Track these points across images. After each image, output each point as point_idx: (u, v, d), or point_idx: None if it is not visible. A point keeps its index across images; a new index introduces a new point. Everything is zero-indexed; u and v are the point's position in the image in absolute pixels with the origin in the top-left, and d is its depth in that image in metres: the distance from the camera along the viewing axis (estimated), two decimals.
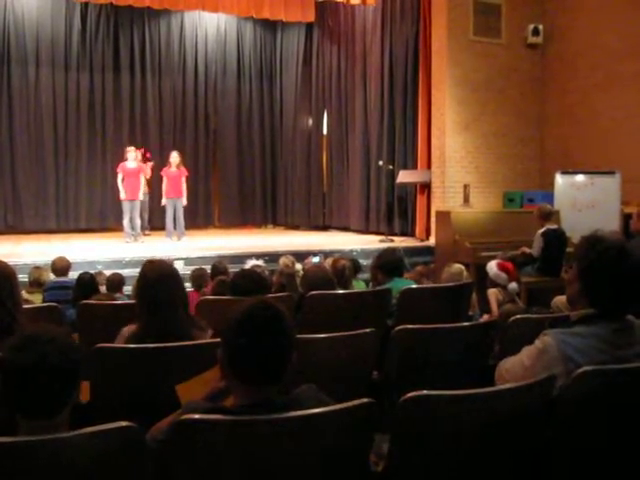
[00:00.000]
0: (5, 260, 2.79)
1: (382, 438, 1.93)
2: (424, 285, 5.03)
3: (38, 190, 12.14)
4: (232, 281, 4.01)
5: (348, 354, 2.78)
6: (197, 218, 13.09)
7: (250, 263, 6.18)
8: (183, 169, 10.65)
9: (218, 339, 1.87)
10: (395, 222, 10.76)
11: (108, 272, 6.27)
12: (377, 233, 10.80)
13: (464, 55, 9.72)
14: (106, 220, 12.45)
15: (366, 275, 6.51)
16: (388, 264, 4.65)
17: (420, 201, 10.21)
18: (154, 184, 11.33)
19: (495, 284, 5.56)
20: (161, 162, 11.23)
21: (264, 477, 1.67)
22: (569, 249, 6.82)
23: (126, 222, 10.05)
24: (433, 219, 9.56)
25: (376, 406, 1.76)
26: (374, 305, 4.03)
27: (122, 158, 10.33)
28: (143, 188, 10.37)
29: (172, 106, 13.14)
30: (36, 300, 5.00)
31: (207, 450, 1.64)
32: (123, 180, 10.04)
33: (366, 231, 11.28)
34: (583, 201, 8.68)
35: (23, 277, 5.02)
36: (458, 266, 5.16)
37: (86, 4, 11.84)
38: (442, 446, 1.85)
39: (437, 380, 2.08)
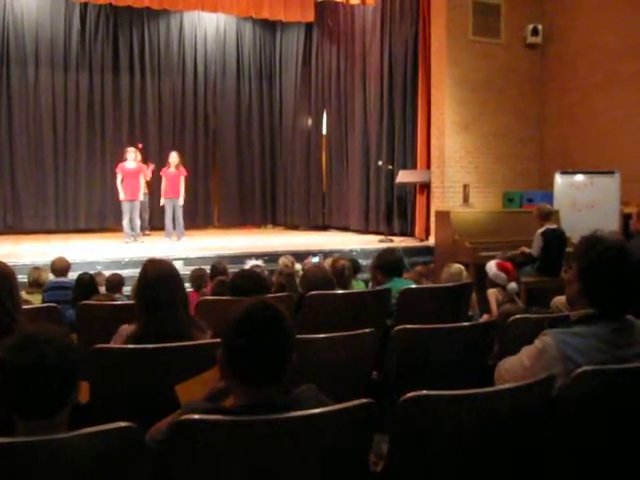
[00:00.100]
0: (4, 260, 2.79)
1: (382, 438, 1.93)
2: (424, 285, 5.03)
3: (37, 190, 12.13)
4: (231, 281, 4.00)
5: (348, 354, 2.78)
6: (197, 218, 13.09)
7: (250, 263, 6.17)
8: (182, 169, 10.65)
9: (218, 339, 1.87)
10: (395, 222, 10.75)
11: (107, 272, 6.28)
12: (377, 233, 10.79)
13: (463, 55, 9.72)
14: (105, 220, 12.44)
15: (366, 275, 6.51)
16: (388, 264, 4.64)
17: (419, 201, 10.21)
18: (154, 184, 11.32)
19: (494, 284, 5.56)
20: (160, 162, 11.22)
21: (264, 477, 1.67)
22: (569, 249, 6.80)
23: (126, 222, 10.04)
24: (432, 219, 9.56)
25: (376, 406, 1.76)
26: (374, 305, 4.03)
27: (121, 158, 10.33)
28: (143, 188, 10.37)
29: (171, 106, 13.13)
30: (35, 300, 4.99)
31: (207, 450, 1.63)
32: (122, 181, 10.04)
33: (366, 231, 11.27)
34: (583, 201, 8.69)
35: (22, 277, 5.03)
36: (458, 266, 5.17)
37: (85, 4, 11.83)
38: (442, 446, 1.85)
39: (437, 380, 2.08)
